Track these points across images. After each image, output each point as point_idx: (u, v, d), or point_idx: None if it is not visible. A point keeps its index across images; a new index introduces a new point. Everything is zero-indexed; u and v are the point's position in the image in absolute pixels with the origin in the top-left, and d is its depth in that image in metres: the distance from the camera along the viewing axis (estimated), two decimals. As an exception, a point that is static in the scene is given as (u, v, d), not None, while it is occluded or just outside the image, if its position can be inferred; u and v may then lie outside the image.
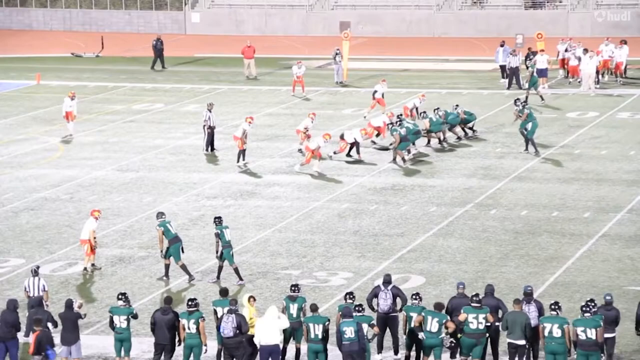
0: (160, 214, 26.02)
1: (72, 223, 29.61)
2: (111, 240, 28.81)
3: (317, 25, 63.77)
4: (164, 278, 25.72)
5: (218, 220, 25.48)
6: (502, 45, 47.82)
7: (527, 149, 36.26)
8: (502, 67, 47.74)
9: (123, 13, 66.80)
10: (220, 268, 25.42)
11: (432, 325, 20.35)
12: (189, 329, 20.46)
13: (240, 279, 25.32)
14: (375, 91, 42.01)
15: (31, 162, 37.08)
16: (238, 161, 35.71)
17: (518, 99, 37.64)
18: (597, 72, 46.54)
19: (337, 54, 49.28)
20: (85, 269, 26.36)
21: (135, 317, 20.97)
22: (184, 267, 25.52)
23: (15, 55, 59.07)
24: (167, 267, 25.74)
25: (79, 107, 41.36)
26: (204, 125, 37.61)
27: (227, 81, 50.84)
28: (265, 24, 64.50)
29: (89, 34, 64.74)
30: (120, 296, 21.02)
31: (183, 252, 25.71)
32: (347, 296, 20.83)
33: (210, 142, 37.57)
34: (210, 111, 37.42)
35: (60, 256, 27.71)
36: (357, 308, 20.41)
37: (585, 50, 46.14)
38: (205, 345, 20.53)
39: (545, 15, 61.17)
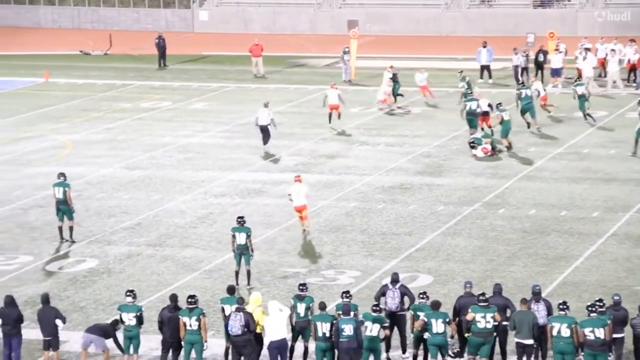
0: (59, 175, 28.45)
1: (80, 220, 29.60)
2: (119, 237, 28.83)
3: (324, 24, 63.74)
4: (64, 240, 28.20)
5: (237, 221, 25.32)
6: (484, 46, 48.07)
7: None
8: (483, 67, 48.02)
9: (131, 11, 66.84)
10: (236, 273, 25.21)
11: (438, 326, 20.33)
12: (190, 325, 20.46)
13: (249, 283, 25.17)
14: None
15: (39, 159, 37.12)
16: (339, 118, 39.97)
17: (499, 103, 37.31)
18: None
19: (345, 52, 49.30)
20: (304, 230, 28.40)
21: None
22: (66, 229, 28.13)
23: (23, 52, 59.13)
24: (60, 229, 28.21)
25: (88, 104, 41.38)
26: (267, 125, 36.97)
27: (235, 79, 50.85)
28: (273, 22, 64.49)
29: (97, 31, 64.79)
30: (128, 292, 21.05)
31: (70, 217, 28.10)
32: (344, 295, 20.80)
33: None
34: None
35: (69, 253, 27.75)
36: (373, 307, 20.45)
37: (612, 51, 46.08)
38: (206, 341, 20.52)
39: (554, 14, 61.08)
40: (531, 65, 47.28)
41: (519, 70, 46.68)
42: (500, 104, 37.38)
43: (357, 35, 50.88)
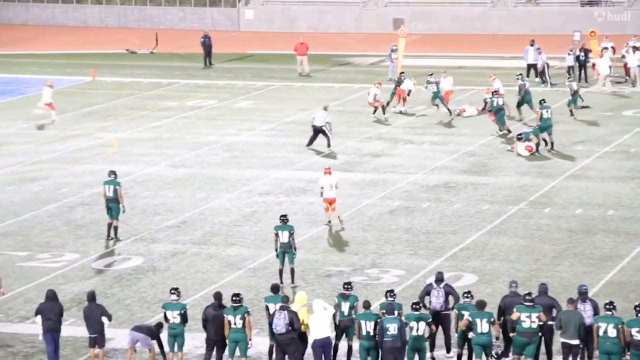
0: (110, 173, 28.73)
1: (126, 218, 29.76)
2: (164, 235, 28.97)
3: (370, 23, 63.69)
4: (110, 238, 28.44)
5: (280, 219, 25.34)
6: (532, 44, 47.73)
7: None
8: (530, 66, 47.62)
9: (177, 10, 67.18)
10: (280, 272, 25.24)
11: (483, 326, 20.24)
12: (234, 324, 20.50)
13: (292, 281, 25.20)
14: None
15: (86, 157, 37.39)
16: (384, 113, 41.45)
17: (542, 100, 37.08)
18: None
19: (393, 50, 49.25)
20: (329, 222, 29.05)
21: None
22: (113, 227, 28.41)
23: (71, 51, 59.61)
24: (109, 226, 28.44)
25: (134, 102, 41.55)
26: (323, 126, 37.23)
27: (280, 78, 50.93)
28: (318, 21, 64.52)
29: (143, 30, 65.15)
30: (173, 291, 21.12)
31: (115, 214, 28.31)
32: (388, 294, 20.74)
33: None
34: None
35: (114, 251, 27.93)
36: (414, 306, 20.39)
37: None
38: (250, 339, 20.56)
39: (602, 12, 60.58)
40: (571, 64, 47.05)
41: (545, 67, 46.81)
42: (543, 100, 37.17)
43: (405, 33, 50.74)
